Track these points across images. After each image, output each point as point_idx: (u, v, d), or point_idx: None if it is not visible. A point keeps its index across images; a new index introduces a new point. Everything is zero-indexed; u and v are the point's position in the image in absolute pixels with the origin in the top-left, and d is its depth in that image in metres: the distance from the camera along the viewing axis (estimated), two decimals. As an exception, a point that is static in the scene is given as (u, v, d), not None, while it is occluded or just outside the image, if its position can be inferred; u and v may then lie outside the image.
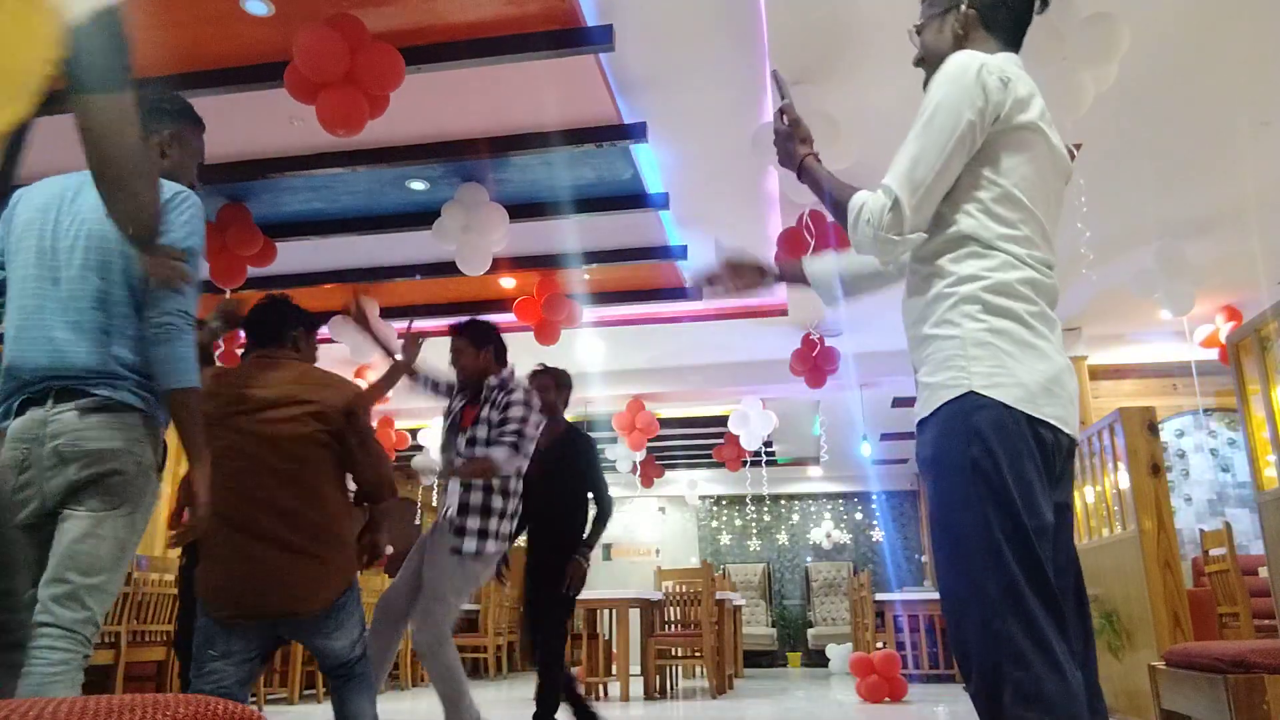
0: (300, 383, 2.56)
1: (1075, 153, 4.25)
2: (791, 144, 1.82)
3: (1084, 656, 1.47)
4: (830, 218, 1.86)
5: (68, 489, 1.86)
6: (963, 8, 1.68)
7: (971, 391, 1.46)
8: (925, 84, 1.69)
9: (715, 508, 13.53)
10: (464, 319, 3.62)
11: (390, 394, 3.56)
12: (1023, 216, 1.53)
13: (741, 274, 1.95)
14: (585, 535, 3.98)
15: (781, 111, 1.84)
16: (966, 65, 1.54)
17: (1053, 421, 1.45)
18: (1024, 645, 1.34)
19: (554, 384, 4.08)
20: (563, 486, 3.98)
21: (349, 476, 2.66)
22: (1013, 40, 1.69)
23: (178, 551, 7.86)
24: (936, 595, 9.34)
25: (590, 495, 4.04)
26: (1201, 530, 5.56)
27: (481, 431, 3.34)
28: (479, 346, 3.50)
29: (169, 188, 1.96)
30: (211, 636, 2.44)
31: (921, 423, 1.56)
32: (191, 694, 0.87)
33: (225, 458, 2.38)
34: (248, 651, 2.48)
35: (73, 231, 1.96)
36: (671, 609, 7.46)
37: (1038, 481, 1.43)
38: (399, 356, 3.53)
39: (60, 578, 1.82)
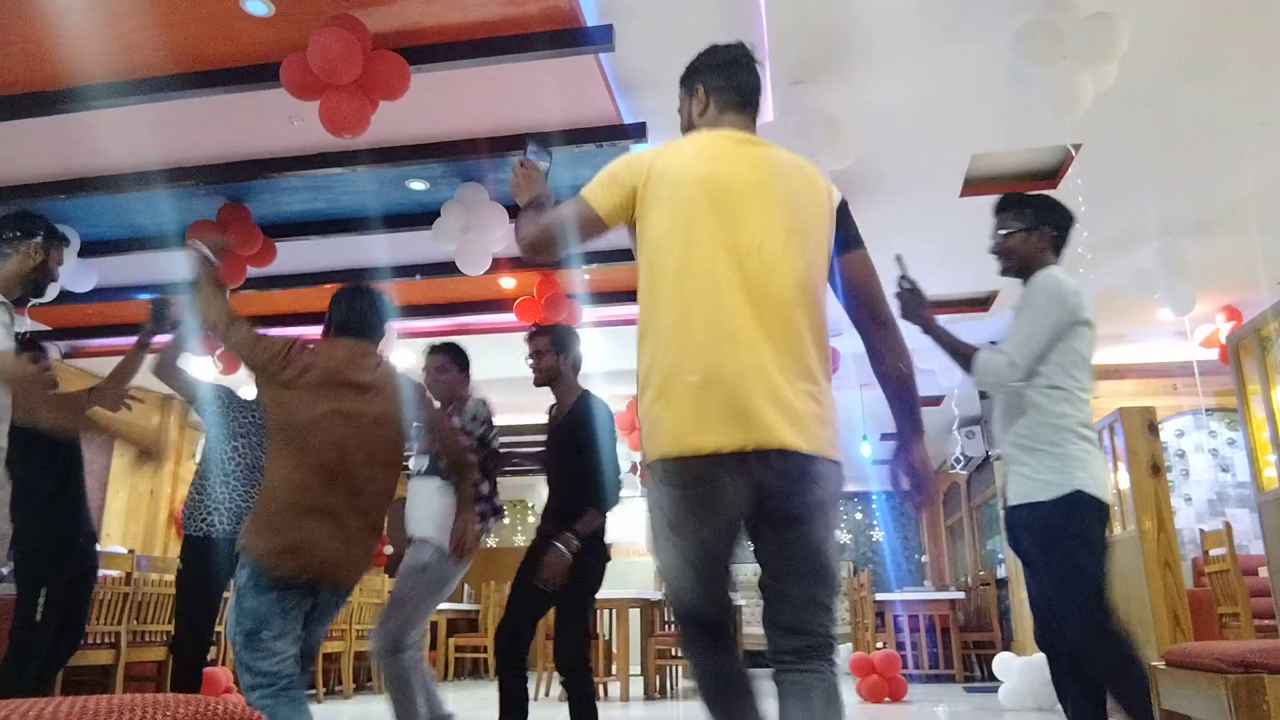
0: (390, 377, 2.72)
1: (1075, 153, 4.25)
2: (917, 307, 2.66)
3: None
4: (947, 357, 2.76)
5: None
6: (1045, 229, 2.72)
7: (1079, 490, 2.46)
8: (1003, 272, 2.79)
9: (715, 508, 13.51)
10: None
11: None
12: (1084, 376, 2.57)
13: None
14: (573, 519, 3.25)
15: (904, 281, 2.65)
16: (1059, 287, 2.57)
17: (1108, 502, 2.53)
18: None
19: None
20: (560, 472, 3.42)
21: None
22: (1061, 251, 2.75)
23: (176, 552, 7.84)
24: (936, 595, 9.38)
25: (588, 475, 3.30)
26: (1201, 530, 5.56)
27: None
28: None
29: None
30: (269, 617, 2.38)
31: (1036, 504, 2.51)
32: (190, 694, 0.87)
33: (330, 424, 2.51)
34: (295, 631, 2.47)
35: None
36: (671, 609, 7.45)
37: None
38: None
39: None
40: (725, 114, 1.91)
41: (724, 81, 1.92)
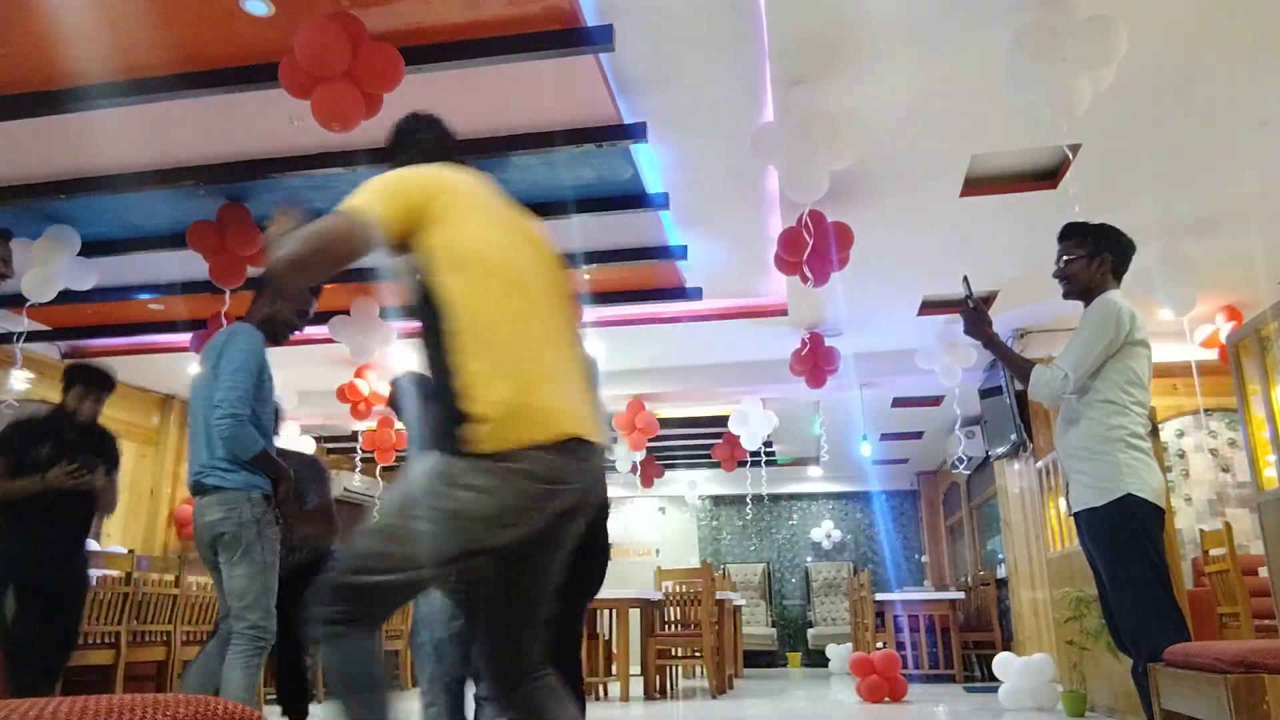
0: None
1: (1073, 154, 4.25)
2: (980, 323, 2.92)
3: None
4: (1006, 370, 2.98)
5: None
6: (1106, 256, 2.91)
7: (1129, 494, 2.62)
8: (1065, 295, 2.96)
9: (715, 508, 13.53)
10: None
11: None
12: (1139, 391, 2.74)
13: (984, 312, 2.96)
14: None
15: (970, 300, 2.91)
16: (1114, 309, 2.75)
17: (1162, 506, 2.69)
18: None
19: None
20: None
21: None
22: (1120, 277, 2.95)
23: (176, 552, 7.82)
24: (936, 595, 9.36)
25: None
26: (1201, 530, 5.56)
27: None
28: None
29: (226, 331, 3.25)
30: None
31: (1094, 509, 2.69)
32: (190, 694, 0.87)
33: None
34: None
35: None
36: (671, 609, 7.46)
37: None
38: None
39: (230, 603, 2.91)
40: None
41: (433, 136, 2.18)
